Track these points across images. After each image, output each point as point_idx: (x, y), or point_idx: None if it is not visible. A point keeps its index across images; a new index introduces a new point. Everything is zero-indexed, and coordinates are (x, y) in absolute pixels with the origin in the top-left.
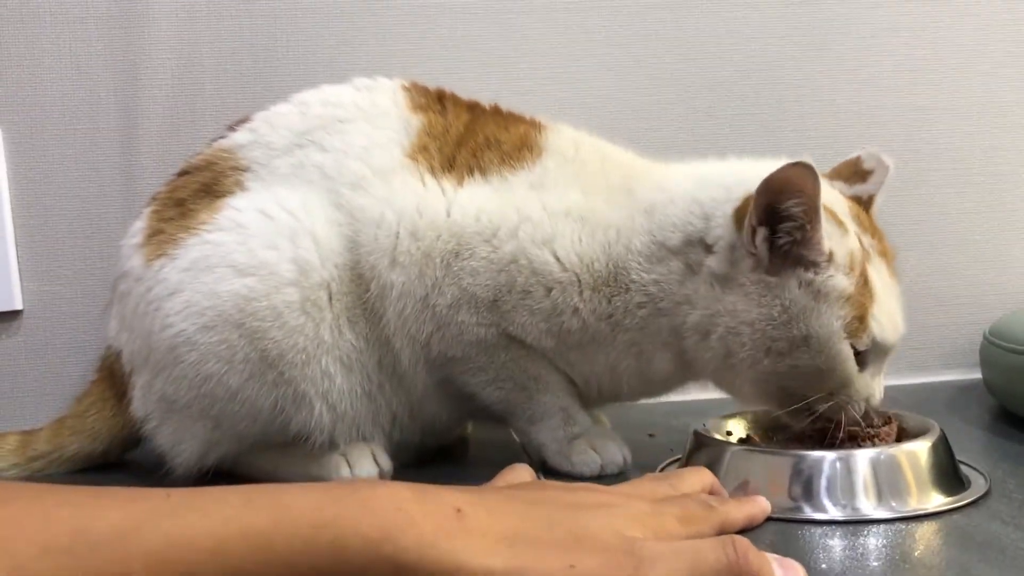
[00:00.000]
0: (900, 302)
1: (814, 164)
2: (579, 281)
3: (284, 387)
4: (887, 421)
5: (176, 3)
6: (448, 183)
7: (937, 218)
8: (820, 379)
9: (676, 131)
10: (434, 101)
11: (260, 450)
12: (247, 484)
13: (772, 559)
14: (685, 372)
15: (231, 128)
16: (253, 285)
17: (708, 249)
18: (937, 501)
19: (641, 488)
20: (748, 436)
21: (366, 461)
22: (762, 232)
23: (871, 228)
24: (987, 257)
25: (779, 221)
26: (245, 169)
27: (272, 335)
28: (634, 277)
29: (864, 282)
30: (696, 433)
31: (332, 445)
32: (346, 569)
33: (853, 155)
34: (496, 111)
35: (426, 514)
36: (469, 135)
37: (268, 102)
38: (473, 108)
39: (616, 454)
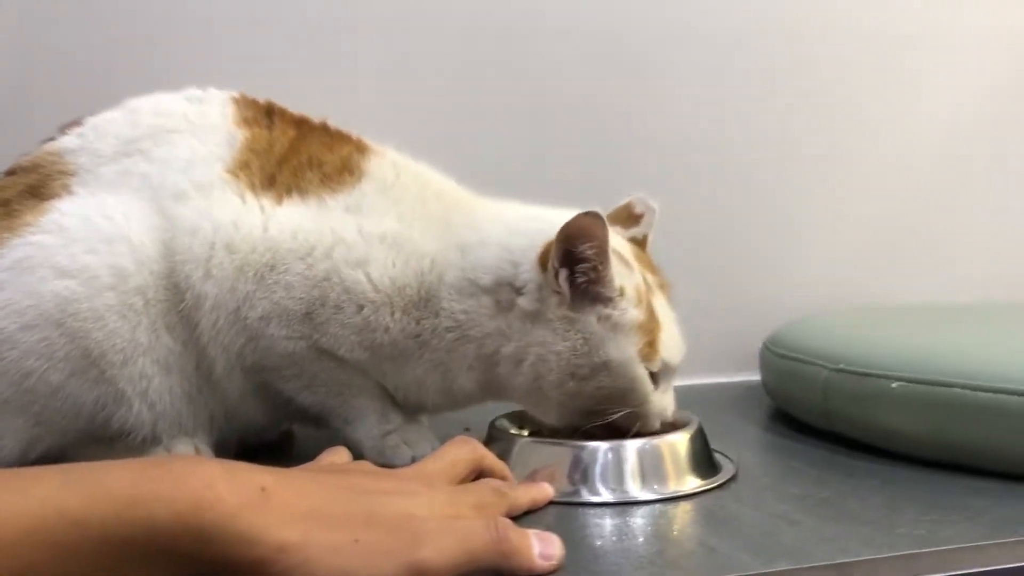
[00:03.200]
0: (678, 327)
1: (602, 213)
2: (391, 303)
3: (104, 385)
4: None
5: (13, 2)
6: (267, 200)
7: (729, 237)
8: (622, 398)
9: (501, 154)
10: (262, 115)
11: (86, 444)
12: (66, 464)
13: (532, 534)
14: (487, 392)
15: (62, 131)
16: (74, 288)
17: (518, 291)
18: (692, 484)
19: (427, 470)
20: (538, 430)
21: (187, 452)
22: (563, 273)
23: (649, 265)
24: (776, 271)
25: (576, 263)
26: (72, 174)
27: (94, 336)
28: (444, 305)
29: (651, 312)
30: (491, 426)
31: (155, 440)
32: (157, 542)
33: (624, 201)
34: (324, 129)
35: (232, 491)
36: (292, 154)
37: (105, 105)
38: (301, 124)
39: (427, 449)
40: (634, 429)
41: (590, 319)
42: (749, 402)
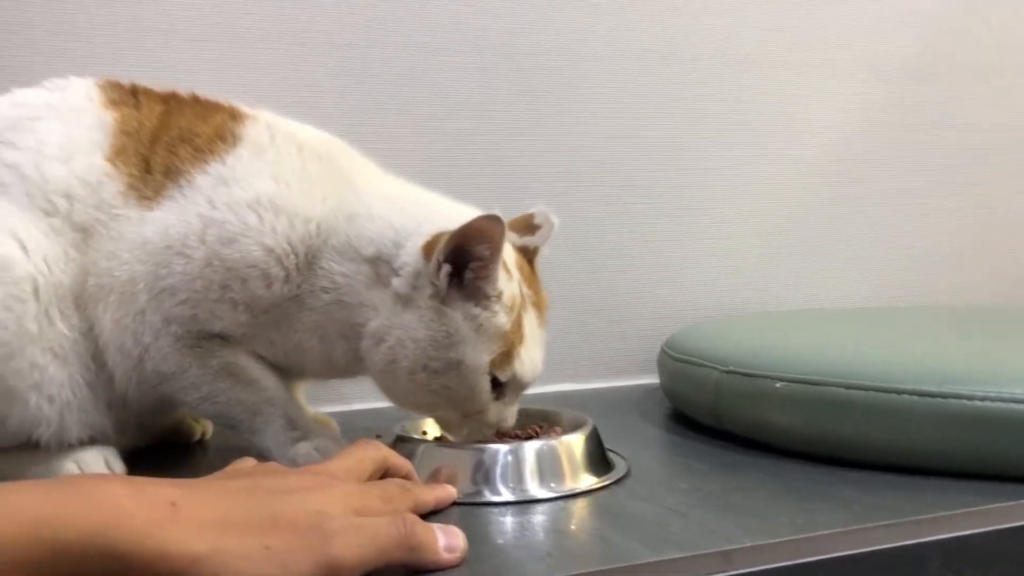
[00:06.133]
0: (542, 348)
1: (503, 218)
2: (267, 274)
3: None
4: (537, 429)
5: None
6: (143, 202)
7: (634, 245)
8: (463, 401)
9: (400, 136)
10: (128, 95)
11: None
12: None
13: (437, 528)
14: (360, 365)
15: None
16: None
17: (395, 271)
18: (588, 482)
19: (334, 467)
20: (442, 436)
21: (99, 467)
22: (446, 268)
23: (529, 279)
24: (675, 278)
25: (468, 260)
26: None
27: None
28: (324, 265)
29: (518, 324)
30: (398, 434)
31: (62, 442)
32: (65, 563)
33: (529, 211)
34: (194, 100)
35: (140, 507)
36: (163, 130)
37: None
38: (168, 99)
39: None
40: (464, 432)
41: (457, 315)
42: (648, 404)
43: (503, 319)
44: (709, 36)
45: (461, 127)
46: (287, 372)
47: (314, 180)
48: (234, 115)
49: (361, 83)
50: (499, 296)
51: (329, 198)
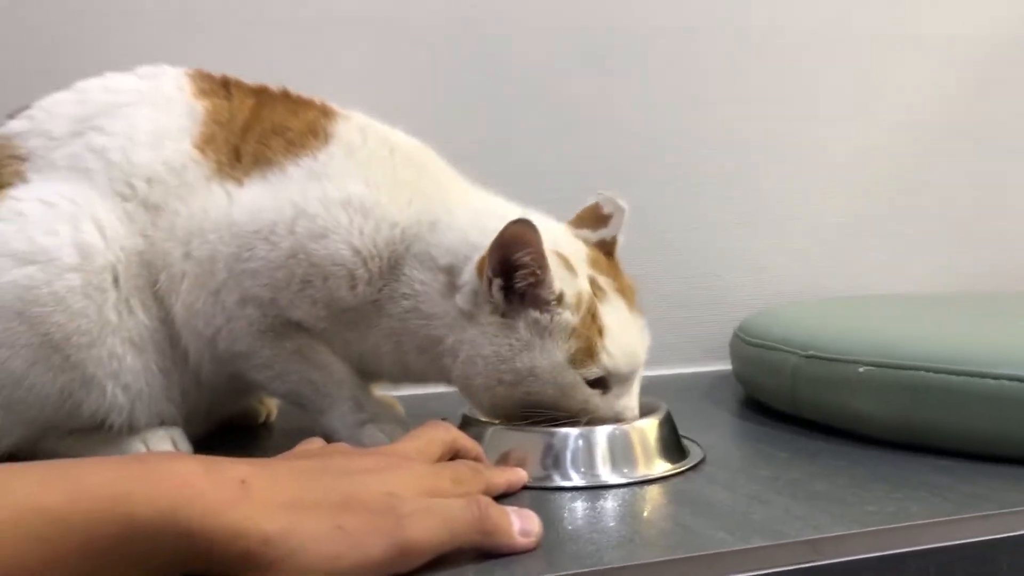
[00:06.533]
0: (640, 332)
1: (533, 218)
2: (352, 275)
3: (71, 371)
4: None
5: None
6: (232, 183)
7: (706, 228)
8: (557, 403)
9: (481, 133)
10: (219, 87)
11: (59, 437)
12: (45, 461)
13: (511, 511)
14: (440, 375)
15: (10, 116)
16: (33, 273)
17: (458, 288)
18: (662, 468)
19: (403, 448)
20: None
21: (165, 446)
22: (497, 283)
23: (608, 269)
24: (747, 263)
25: (514, 270)
26: (24, 158)
27: (55, 319)
28: (406, 272)
29: (593, 318)
30: (464, 415)
31: (131, 427)
32: (139, 539)
33: (591, 202)
34: (285, 96)
35: (212, 485)
36: (255, 122)
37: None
38: (259, 93)
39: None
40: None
41: (519, 324)
42: (720, 390)
43: (569, 317)
44: (782, 10)
45: (528, 112)
46: (361, 373)
47: (403, 184)
48: (326, 112)
49: (438, 76)
50: (559, 297)
51: (415, 203)
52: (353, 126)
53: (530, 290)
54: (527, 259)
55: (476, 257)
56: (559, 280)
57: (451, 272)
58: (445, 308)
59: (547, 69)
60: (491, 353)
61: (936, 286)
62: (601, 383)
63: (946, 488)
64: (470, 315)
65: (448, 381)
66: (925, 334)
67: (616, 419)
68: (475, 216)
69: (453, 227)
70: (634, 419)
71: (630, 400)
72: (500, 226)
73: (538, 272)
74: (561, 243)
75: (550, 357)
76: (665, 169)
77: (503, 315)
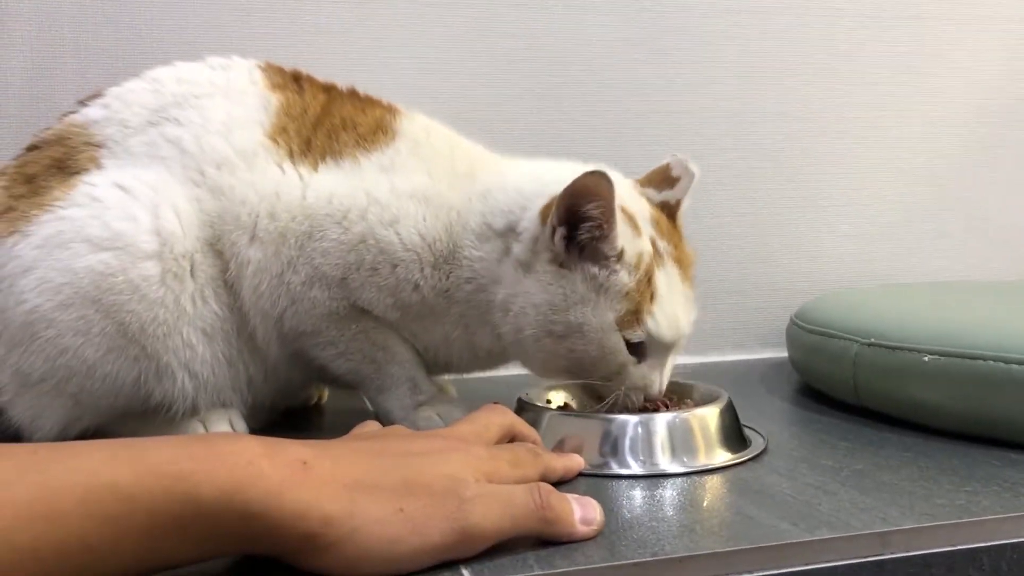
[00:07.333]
0: (687, 305)
1: (608, 172)
2: (421, 259)
3: (146, 361)
4: (666, 403)
5: None
6: (304, 168)
7: (760, 211)
8: (595, 364)
9: (526, 123)
10: (291, 81)
11: (120, 419)
12: (111, 439)
13: (572, 499)
14: (505, 348)
15: (82, 103)
16: (109, 260)
17: (516, 236)
18: (722, 457)
19: (460, 431)
20: (566, 404)
21: (223, 427)
22: (561, 231)
23: (669, 233)
24: (801, 248)
25: (580, 221)
26: (99, 145)
27: (131, 307)
28: (466, 254)
29: (648, 282)
30: (520, 400)
31: (192, 411)
32: (201, 519)
33: (664, 162)
34: (353, 94)
35: (274, 467)
36: (326, 116)
37: (128, 79)
38: (329, 90)
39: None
40: (610, 400)
41: (576, 277)
42: (776, 378)
43: (625, 278)
44: None
45: (589, 87)
46: (428, 366)
47: (460, 176)
48: (392, 111)
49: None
50: (620, 255)
51: (467, 187)
52: (417, 124)
53: (592, 243)
54: (596, 212)
55: (535, 205)
56: (622, 237)
57: (508, 232)
58: (501, 271)
59: (596, 44)
60: (543, 302)
61: (996, 273)
62: (640, 349)
63: (1019, 483)
64: (527, 264)
65: (507, 353)
66: (991, 322)
67: (645, 390)
68: (527, 173)
69: (506, 188)
70: (659, 395)
71: (661, 374)
72: (556, 178)
73: (604, 226)
74: (627, 200)
75: (601, 317)
76: (718, 151)
77: (561, 264)
